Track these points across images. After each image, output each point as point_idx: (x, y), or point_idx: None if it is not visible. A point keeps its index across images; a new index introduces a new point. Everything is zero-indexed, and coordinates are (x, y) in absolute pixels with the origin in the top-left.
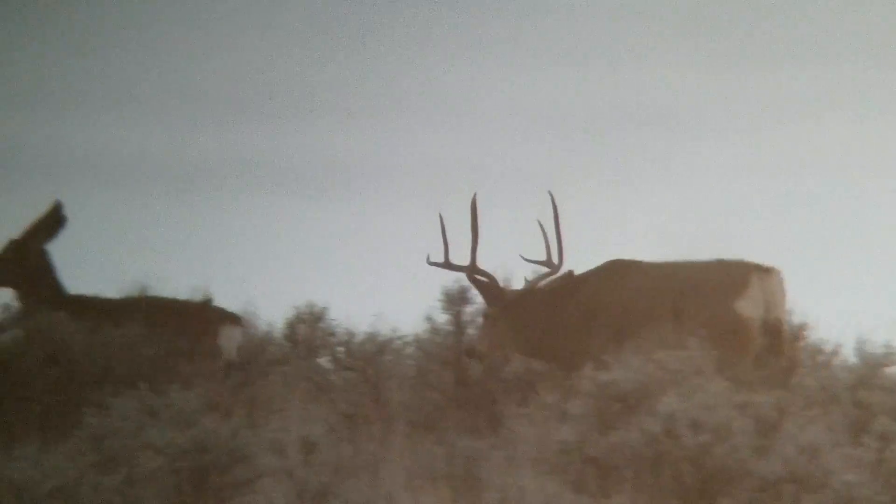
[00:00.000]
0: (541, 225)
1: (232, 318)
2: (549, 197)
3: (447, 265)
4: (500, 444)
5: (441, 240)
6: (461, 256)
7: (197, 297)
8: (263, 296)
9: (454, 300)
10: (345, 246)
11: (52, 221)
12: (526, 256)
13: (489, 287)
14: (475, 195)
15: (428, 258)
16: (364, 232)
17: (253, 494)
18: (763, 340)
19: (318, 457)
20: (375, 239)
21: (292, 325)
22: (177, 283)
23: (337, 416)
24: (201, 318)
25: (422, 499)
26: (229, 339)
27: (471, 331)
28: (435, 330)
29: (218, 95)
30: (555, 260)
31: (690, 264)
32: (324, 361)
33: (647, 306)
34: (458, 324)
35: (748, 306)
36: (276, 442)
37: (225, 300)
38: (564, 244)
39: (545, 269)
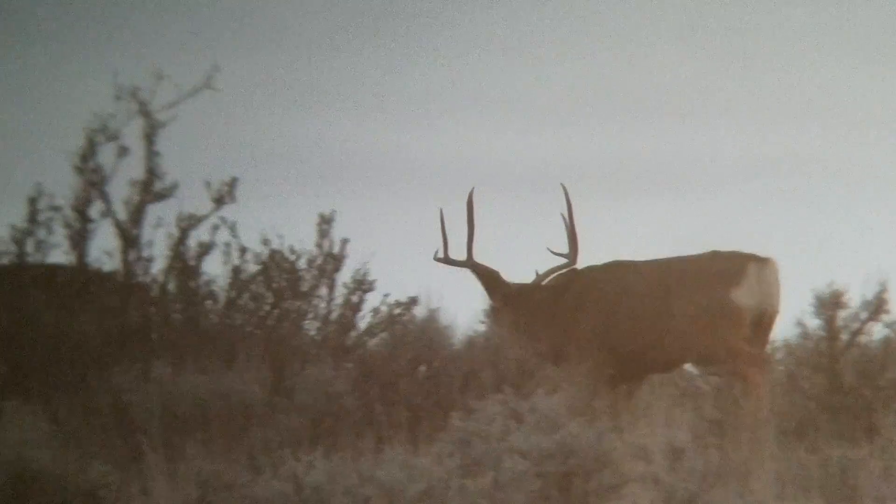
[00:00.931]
0: (563, 218)
1: None
2: (563, 190)
3: (447, 260)
4: (876, 452)
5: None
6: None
7: None
8: None
9: (826, 304)
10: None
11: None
12: (553, 249)
13: (489, 281)
14: (472, 190)
15: (435, 254)
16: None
17: (619, 500)
18: (751, 329)
19: (684, 463)
20: None
21: None
22: None
23: (703, 421)
24: None
25: None
26: None
27: (843, 336)
28: (806, 335)
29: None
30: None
31: (685, 258)
32: (688, 366)
33: (639, 303)
34: (831, 329)
35: (744, 295)
36: (642, 447)
37: None
38: (578, 238)
39: (555, 264)
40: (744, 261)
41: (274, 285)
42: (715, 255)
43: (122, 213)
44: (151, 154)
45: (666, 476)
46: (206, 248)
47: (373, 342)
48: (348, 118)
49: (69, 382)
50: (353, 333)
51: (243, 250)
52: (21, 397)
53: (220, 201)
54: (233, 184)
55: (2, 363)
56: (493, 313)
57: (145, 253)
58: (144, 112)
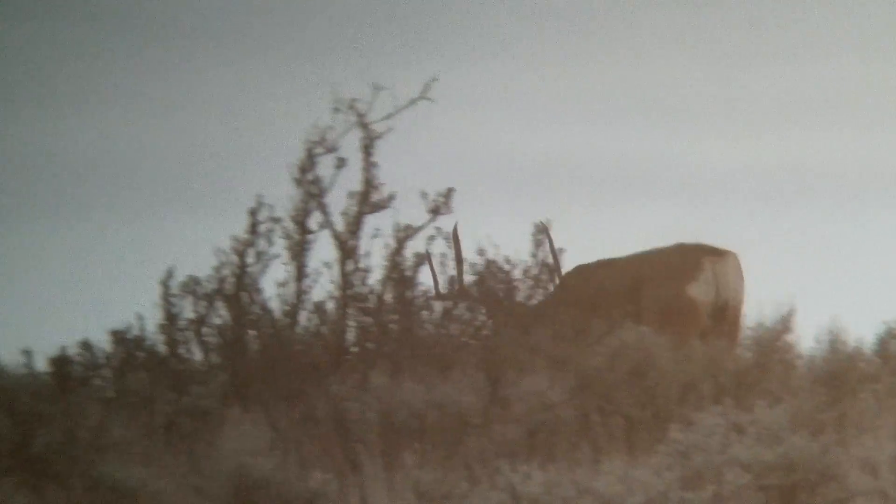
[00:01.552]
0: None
1: None
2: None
3: (439, 297)
4: None
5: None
6: None
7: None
8: (852, 309)
9: None
10: None
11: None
12: None
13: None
14: (455, 225)
15: (427, 296)
16: None
17: None
18: (710, 320)
19: None
20: None
21: (883, 341)
22: None
23: None
24: None
25: None
26: None
27: None
28: None
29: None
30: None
31: (652, 252)
32: None
33: (605, 299)
34: None
35: (699, 289)
36: (868, 461)
37: (811, 313)
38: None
39: None
40: (700, 255)
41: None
42: (677, 249)
43: (340, 224)
44: (369, 165)
45: (893, 490)
46: (421, 259)
47: (589, 353)
48: (566, 127)
49: (289, 392)
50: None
51: (460, 260)
52: (242, 406)
53: (436, 211)
54: (449, 194)
55: (224, 372)
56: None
57: (362, 263)
58: (362, 123)
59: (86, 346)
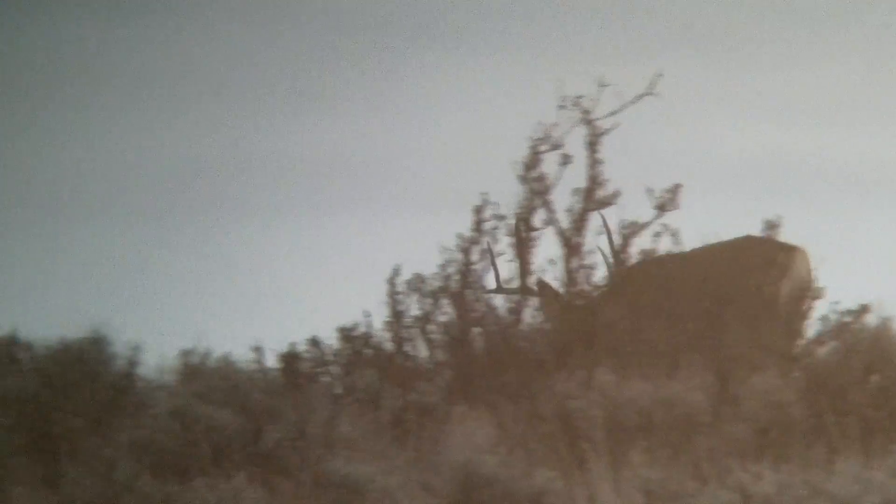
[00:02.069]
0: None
1: None
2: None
3: (500, 290)
4: None
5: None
6: None
7: None
8: None
9: None
10: None
11: None
12: None
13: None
14: (518, 221)
15: (485, 289)
16: None
17: None
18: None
19: None
20: None
21: None
22: None
23: None
24: None
25: None
26: None
27: None
28: None
29: None
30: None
31: (720, 245)
32: None
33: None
34: None
35: (788, 285)
36: None
37: None
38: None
39: None
40: (776, 250)
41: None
42: (747, 242)
43: (564, 221)
44: (594, 162)
45: None
46: (648, 255)
47: (822, 351)
48: (790, 124)
49: (514, 389)
50: (801, 342)
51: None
52: (467, 403)
53: (662, 208)
54: (675, 190)
55: (449, 369)
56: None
57: (587, 261)
58: (587, 120)
59: (314, 343)
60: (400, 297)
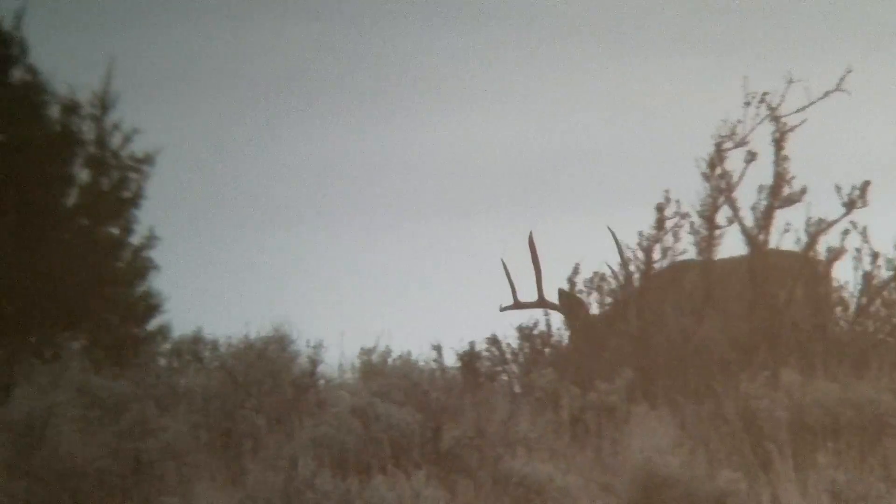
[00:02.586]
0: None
1: None
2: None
3: (517, 305)
4: None
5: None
6: None
7: None
8: None
9: None
10: None
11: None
12: None
13: (566, 311)
14: (531, 233)
15: (500, 306)
16: None
17: None
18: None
19: None
20: None
21: None
22: None
23: None
24: None
25: None
26: None
27: None
28: None
29: None
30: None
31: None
32: None
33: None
34: None
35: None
36: None
37: None
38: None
39: None
40: (825, 262)
41: None
42: (795, 256)
43: (749, 219)
44: (780, 159)
45: None
46: (836, 254)
47: None
48: None
49: (696, 388)
50: None
51: (875, 255)
52: (649, 403)
53: (851, 205)
54: (865, 187)
55: (630, 369)
56: (577, 336)
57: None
58: (774, 117)
59: (494, 341)
60: (580, 295)
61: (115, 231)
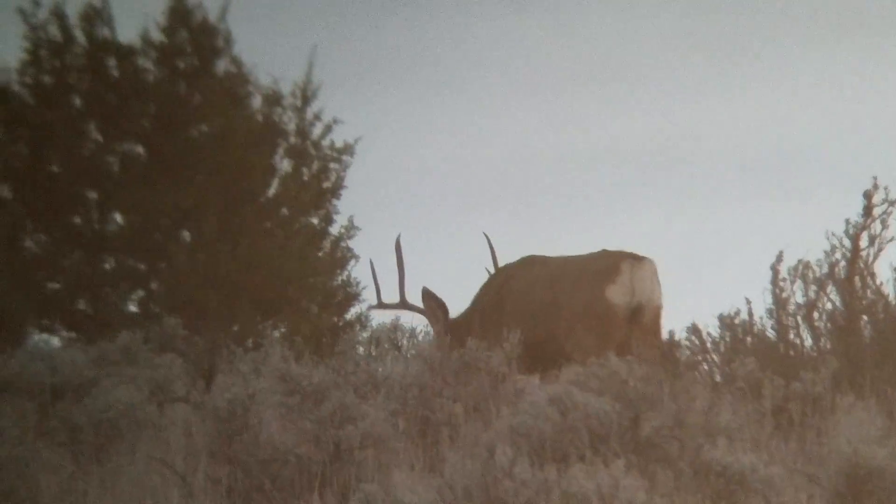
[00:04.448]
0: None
1: None
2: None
3: (380, 306)
4: None
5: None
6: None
7: None
8: None
9: None
10: None
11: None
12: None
13: (430, 314)
14: (399, 237)
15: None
16: None
17: None
18: (628, 325)
19: None
20: None
21: None
22: None
23: None
24: None
25: None
26: None
27: None
28: None
29: None
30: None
31: (581, 257)
32: None
33: (534, 296)
34: None
35: (616, 293)
36: None
37: None
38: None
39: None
40: (618, 259)
41: None
42: (600, 255)
43: None
44: None
45: None
46: None
47: None
48: None
49: None
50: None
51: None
52: (855, 393)
53: None
54: None
55: (836, 359)
56: (440, 338)
57: None
58: None
59: (694, 330)
60: (784, 283)
61: (316, 221)
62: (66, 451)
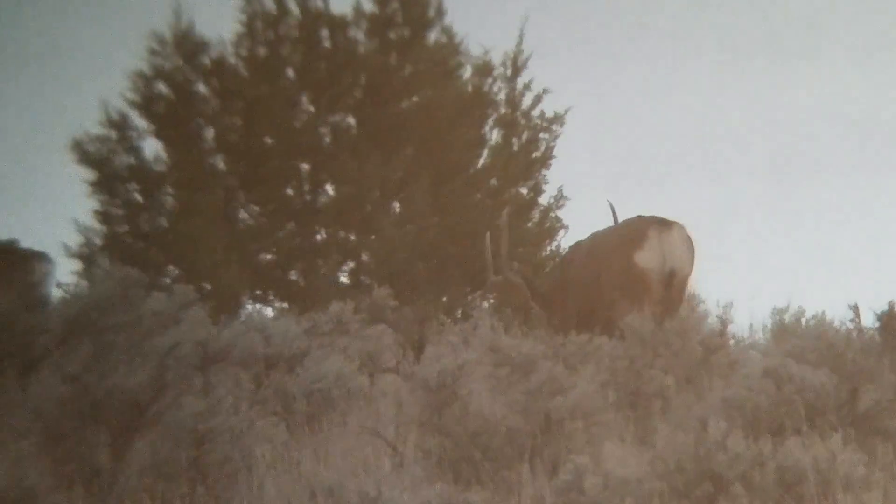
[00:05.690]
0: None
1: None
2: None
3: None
4: None
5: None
6: None
7: None
8: None
9: None
10: None
11: None
12: None
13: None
14: (505, 211)
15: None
16: None
17: None
18: (662, 289)
19: None
20: None
21: None
22: None
23: None
24: None
25: None
26: None
27: None
28: None
29: None
30: None
31: (619, 224)
32: None
33: (582, 268)
34: None
35: (645, 258)
36: None
37: None
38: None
39: None
40: (646, 225)
41: None
42: (631, 221)
43: None
44: None
45: None
46: None
47: None
48: None
49: None
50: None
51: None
52: None
53: None
54: None
55: None
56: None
57: None
58: None
59: None
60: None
61: (525, 191)
62: (280, 421)
